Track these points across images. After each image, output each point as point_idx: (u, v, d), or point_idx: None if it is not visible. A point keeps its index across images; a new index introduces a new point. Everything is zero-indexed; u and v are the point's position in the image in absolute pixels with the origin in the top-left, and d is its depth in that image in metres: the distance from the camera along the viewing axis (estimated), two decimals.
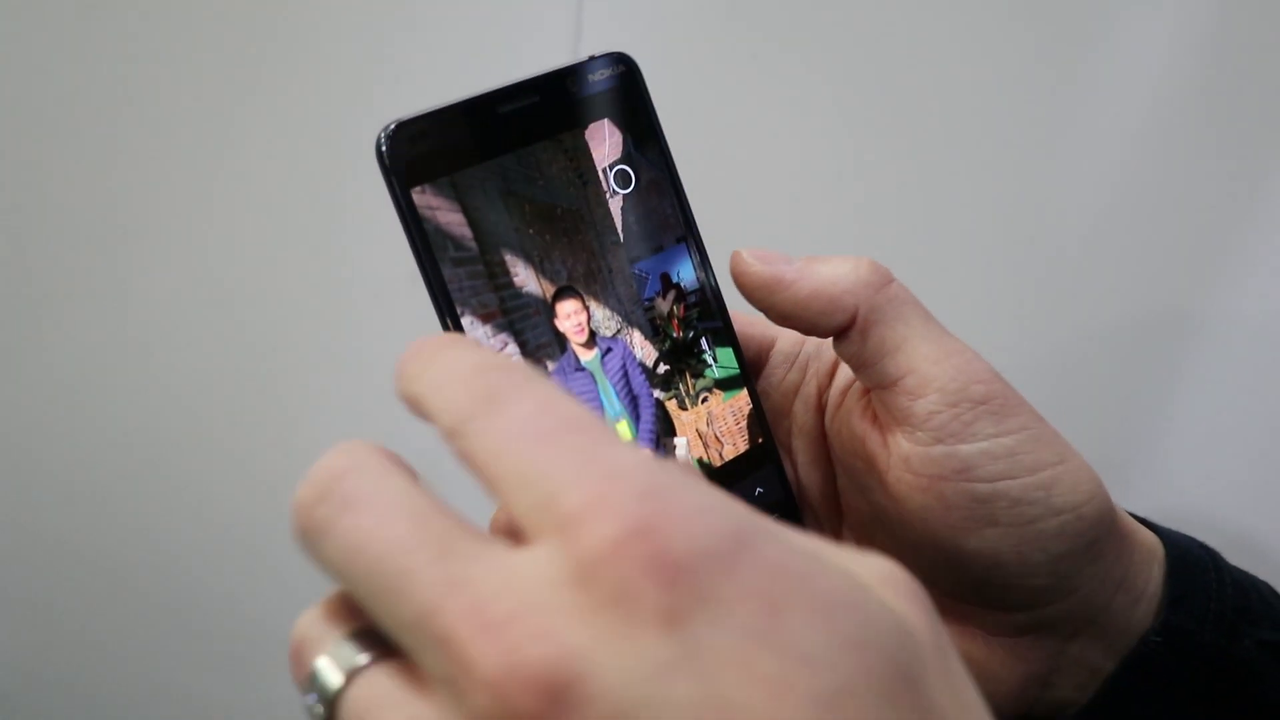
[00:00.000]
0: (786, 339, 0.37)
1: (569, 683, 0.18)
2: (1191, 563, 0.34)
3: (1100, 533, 0.31)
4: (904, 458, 0.31)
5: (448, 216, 0.30)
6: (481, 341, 0.31)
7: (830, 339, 0.33)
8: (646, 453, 0.21)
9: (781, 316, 0.32)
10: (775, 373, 0.37)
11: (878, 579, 0.21)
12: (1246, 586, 0.34)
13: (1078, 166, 0.58)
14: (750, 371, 0.36)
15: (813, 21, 0.59)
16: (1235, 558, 0.60)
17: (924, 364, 0.31)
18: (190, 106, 0.66)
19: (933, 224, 0.61)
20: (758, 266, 0.32)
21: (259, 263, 0.69)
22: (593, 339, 0.34)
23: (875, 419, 0.33)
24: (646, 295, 0.35)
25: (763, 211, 0.63)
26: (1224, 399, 0.59)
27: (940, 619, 0.21)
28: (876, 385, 0.32)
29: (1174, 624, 0.32)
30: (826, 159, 0.61)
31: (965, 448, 0.31)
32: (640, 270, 0.35)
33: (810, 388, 0.36)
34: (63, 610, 0.78)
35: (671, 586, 0.19)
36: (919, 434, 0.31)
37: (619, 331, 0.35)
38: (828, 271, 0.32)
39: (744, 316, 0.36)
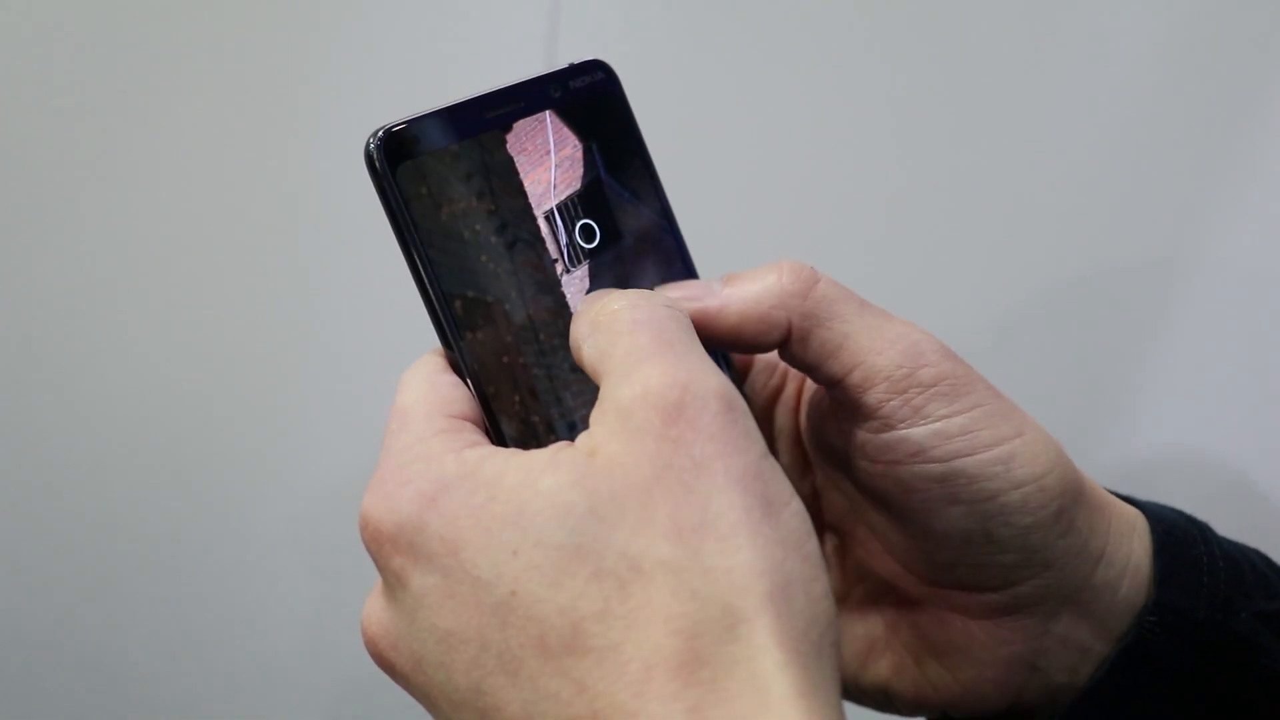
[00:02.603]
0: None
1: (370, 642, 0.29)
2: (1180, 537, 0.33)
3: (1066, 502, 0.31)
4: (860, 446, 0.32)
5: (439, 215, 0.31)
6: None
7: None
8: (429, 449, 0.28)
9: (722, 346, 0.32)
10: (758, 379, 0.37)
11: (547, 470, 0.26)
12: (1238, 558, 0.34)
13: (1058, 117, 0.59)
14: (739, 380, 0.36)
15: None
16: (1225, 503, 0.60)
17: (868, 357, 0.31)
18: (153, 111, 0.66)
19: (917, 180, 0.62)
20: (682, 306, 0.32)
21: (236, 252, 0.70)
22: None
23: (836, 413, 0.33)
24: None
25: (747, 205, 0.63)
26: (1206, 346, 0.60)
27: (654, 449, 0.26)
28: (827, 384, 0.32)
29: (1167, 602, 0.32)
30: (807, 128, 0.62)
31: (917, 431, 0.30)
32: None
33: (789, 391, 0.37)
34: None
35: (391, 556, 0.27)
36: (872, 423, 0.31)
37: None
38: (751, 291, 0.31)
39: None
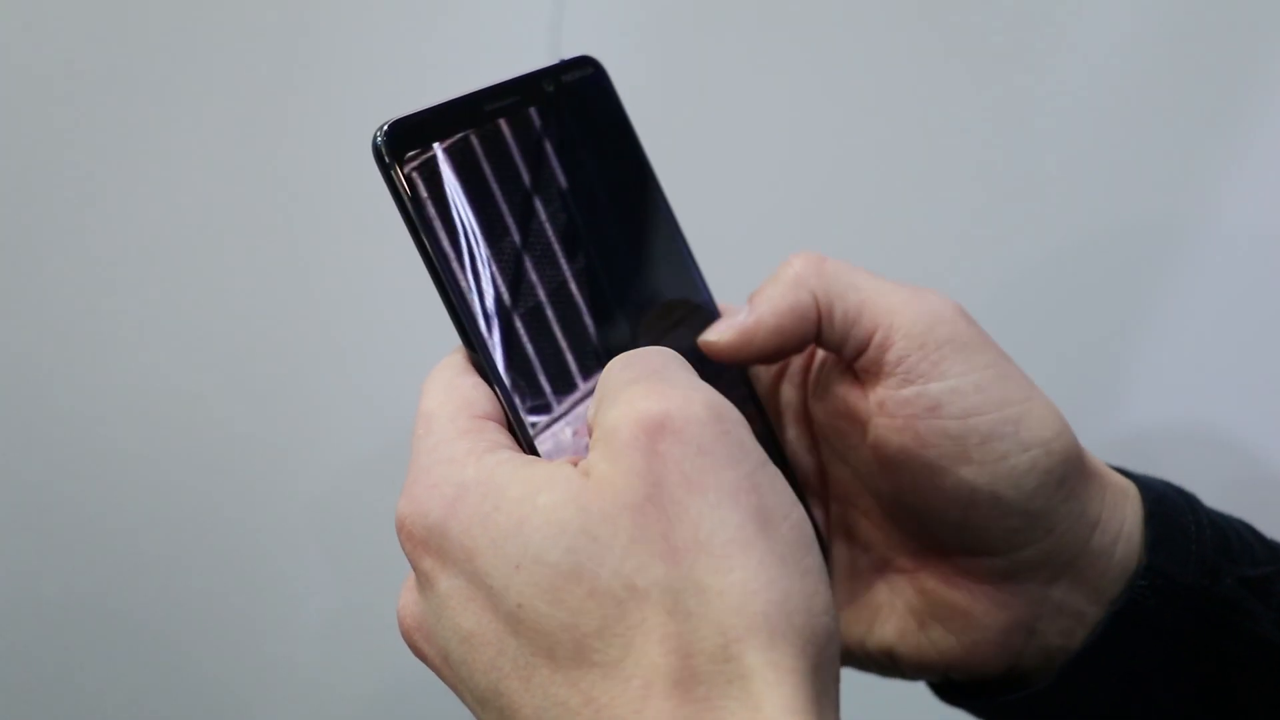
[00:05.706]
0: None
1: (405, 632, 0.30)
2: (1169, 506, 0.35)
3: (1069, 470, 0.33)
4: (880, 403, 0.33)
5: (450, 208, 0.31)
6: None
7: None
8: (454, 451, 0.29)
9: (772, 358, 0.34)
10: None
11: (544, 487, 0.27)
12: (1224, 526, 0.35)
13: (1058, 80, 0.59)
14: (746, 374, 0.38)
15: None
16: (1224, 466, 0.60)
17: (887, 316, 0.33)
18: (162, 105, 0.66)
19: (917, 141, 0.62)
20: (721, 337, 0.34)
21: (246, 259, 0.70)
22: None
23: (855, 379, 0.35)
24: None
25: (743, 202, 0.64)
26: (1207, 310, 0.60)
27: (649, 472, 0.26)
28: (856, 354, 0.34)
29: (1157, 567, 0.34)
30: (808, 111, 0.62)
31: (934, 386, 0.32)
32: None
33: (794, 366, 0.38)
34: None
35: (422, 556, 0.28)
36: (892, 379, 0.33)
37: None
38: (773, 292, 0.33)
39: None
